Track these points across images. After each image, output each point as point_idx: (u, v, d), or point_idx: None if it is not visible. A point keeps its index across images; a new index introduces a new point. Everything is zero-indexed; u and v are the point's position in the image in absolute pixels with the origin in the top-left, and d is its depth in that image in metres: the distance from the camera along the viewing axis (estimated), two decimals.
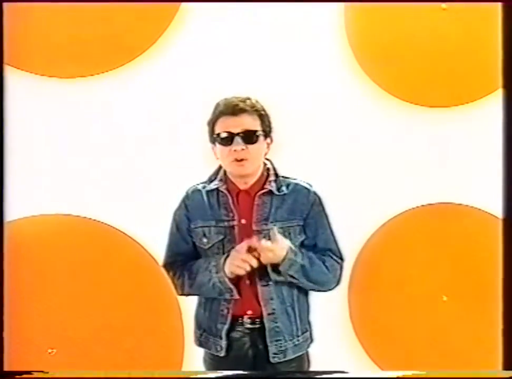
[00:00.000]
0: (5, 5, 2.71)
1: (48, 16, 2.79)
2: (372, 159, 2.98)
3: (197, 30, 2.90)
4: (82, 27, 2.81)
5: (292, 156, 2.81)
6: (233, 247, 2.36)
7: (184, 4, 2.87)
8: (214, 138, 2.37)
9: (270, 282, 2.36)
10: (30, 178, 2.79)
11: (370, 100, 2.97)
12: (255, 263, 2.29)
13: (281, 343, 2.37)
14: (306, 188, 2.44)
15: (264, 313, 2.36)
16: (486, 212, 2.91)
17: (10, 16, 2.71)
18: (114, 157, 2.85)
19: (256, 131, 2.35)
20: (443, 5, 2.95)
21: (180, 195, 2.49)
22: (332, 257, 2.44)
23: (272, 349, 2.36)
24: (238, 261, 2.29)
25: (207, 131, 2.42)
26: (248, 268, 2.29)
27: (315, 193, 2.45)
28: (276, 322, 2.37)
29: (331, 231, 2.47)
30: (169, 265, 2.47)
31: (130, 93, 2.87)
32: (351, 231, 2.88)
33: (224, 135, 2.33)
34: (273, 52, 2.93)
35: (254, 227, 2.37)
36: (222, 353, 2.38)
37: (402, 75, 2.97)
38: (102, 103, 2.86)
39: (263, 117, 2.39)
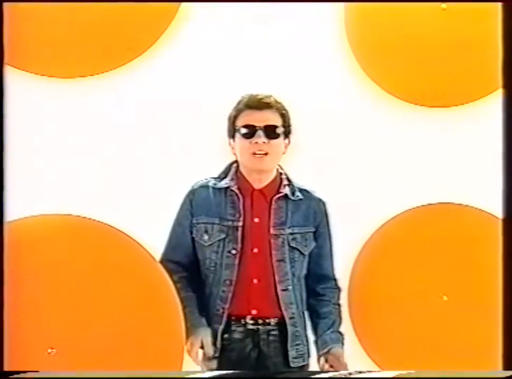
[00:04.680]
0: (5, 4, 2.70)
1: (48, 16, 2.79)
2: (371, 159, 2.99)
3: (197, 30, 2.90)
4: (82, 27, 2.81)
5: (291, 156, 2.81)
6: (234, 248, 2.36)
7: (184, 4, 2.87)
8: (235, 130, 2.38)
9: (289, 287, 2.37)
10: (30, 178, 2.79)
11: (369, 100, 2.97)
12: None
13: (300, 348, 2.38)
14: (316, 196, 2.47)
15: (286, 318, 2.37)
16: (486, 212, 2.90)
17: (10, 16, 2.71)
18: (114, 157, 2.86)
19: (277, 127, 2.37)
20: (443, 5, 2.95)
21: (180, 195, 2.49)
22: (335, 295, 2.50)
23: (292, 353, 2.37)
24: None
25: (227, 126, 2.43)
26: None
27: (324, 203, 2.48)
28: (296, 327, 2.38)
29: (331, 241, 2.50)
30: (169, 263, 2.47)
31: (131, 93, 2.87)
32: (351, 231, 2.88)
33: (246, 127, 2.35)
34: (273, 52, 2.94)
35: (272, 231, 2.38)
36: (216, 354, 2.38)
37: (402, 75, 2.97)
38: (102, 103, 2.86)
39: (284, 116, 2.42)
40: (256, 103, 2.37)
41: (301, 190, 2.47)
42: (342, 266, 2.78)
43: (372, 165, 2.97)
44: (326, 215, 2.49)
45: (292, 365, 2.38)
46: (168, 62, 2.89)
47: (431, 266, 2.90)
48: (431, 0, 2.95)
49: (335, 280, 2.53)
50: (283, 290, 2.37)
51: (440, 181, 2.97)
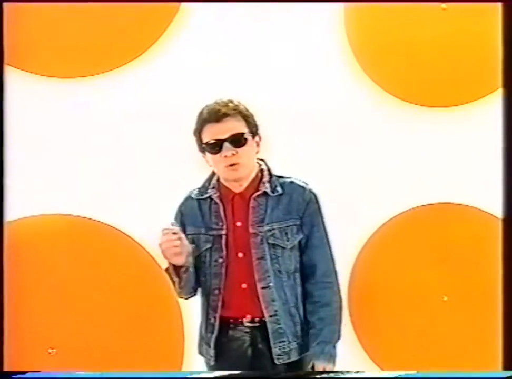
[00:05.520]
0: (5, 4, 2.71)
1: (48, 16, 2.79)
2: (372, 159, 2.98)
3: (197, 30, 2.90)
4: (82, 27, 2.81)
5: (292, 156, 2.81)
6: (220, 257, 2.35)
7: (184, 4, 2.87)
8: (203, 147, 2.36)
9: (271, 284, 2.35)
10: (30, 178, 2.79)
11: (370, 100, 2.97)
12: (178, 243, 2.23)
13: (284, 345, 2.36)
14: (301, 186, 2.42)
15: (266, 315, 2.34)
16: (486, 212, 2.90)
17: (10, 16, 2.71)
18: (114, 157, 2.85)
19: (243, 133, 2.33)
20: (443, 5, 2.95)
21: (180, 195, 2.49)
22: (328, 286, 2.39)
23: (275, 350, 2.34)
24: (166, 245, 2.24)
25: (195, 141, 2.40)
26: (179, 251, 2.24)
27: (310, 191, 2.42)
28: (279, 324, 2.35)
29: (325, 230, 2.44)
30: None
31: (130, 93, 2.87)
32: (351, 231, 2.88)
33: (212, 143, 2.32)
34: (273, 52, 2.93)
35: (251, 230, 2.36)
36: (211, 363, 2.38)
37: (402, 75, 2.97)
38: (102, 103, 2.86)
39: (247, 118, 2.36)
40: (214, 116, 2.30)
41: (283, 184, 2.42)
42: (342, 266, 2.78)
43: (372, 165, 2.97)
44: (313, 203, 2.40)
45: (276, 362, 2.36)
46: (168, 62, 2.89)
47: (431, 266, 2.90)
48: (431, 0, 2.95)
49: (328, 273, 2.45)
50: (263, 288, 2.34)
51: (440, 181, 2.96)
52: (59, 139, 2.83)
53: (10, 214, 2.69)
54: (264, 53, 2.93)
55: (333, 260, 2.44)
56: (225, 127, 2.30)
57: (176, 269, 2.30)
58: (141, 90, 2.87)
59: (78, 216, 2.74)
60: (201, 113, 2.35)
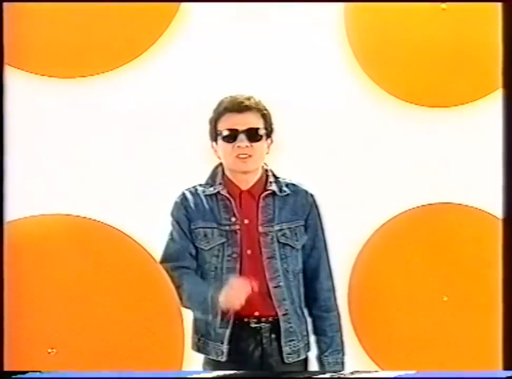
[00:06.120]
0: (5, 4, 2.70)
1: (48, 16, 2.79)
2: (371, 159, 2.99)
3: (197, 30, 2.90)
4: (82, 27, 2.81)
5: (291, 156, 2.81)
6: (233, 252, 2.36)
7: (184, 4, 2.86)
8: (217, 134, 2.38)
9: (281, 283, 2.37)
10: (30, 178, 2.79)
11: (369, 100, 2.97)
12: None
13: (294, 344, 2.39)
14: (303, 189, 2.47)
15: (279, 314, 2.37)
16: (486, 212, 2.90)
17: (10, 16, 2.71)
18: (113, 157, 2.85)
19: (259, 129, 2.37)
20: (443, 5, 2.95)
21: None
22: (330, 289, 2.47)
23: (286, 349, 2.37)
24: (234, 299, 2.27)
25: (208, 129, 2.43)
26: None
27: (311, 194, 2.48)
28: (289, 323, 2.38)
29: (324, 233, 2.49)
30: (171, 268, 2.47)
31: (130, 93, 2.87)
32: (350, 231, 2.88)
33: (228, 131, 2.35)
34: (273, 52, 2.94)
35: (260, 229, 2.38)
36: (223, 359, 2.38)
37: (402, 75, 2.97)
38: (102, 103, 2.86)
39: (266, 117, 2.41)
40: (237, 107, 2.35)
41: (287, 185, 2.46)
42: (342, 266, 2.78)
43: (372, 165, 2.97)
44: (314, 206, 2.47)
45: (286, 361, 2.38)
46: (168, 63, 2.89)
47: (431, 266, 2.90)
48: (431, 0, 2.95)
49: (329, 276, 2.49)
50: (275, 287, 2.38)
51: (440, 181, 2.97)
52: (59, 139, 2.83)
53: (10, 214, 2.68)
54: (264, 54, 2.94)
55: (330, 263, 2.49)
56: (244, 119, 2.35)
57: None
58: (141, 90, 2.87)
59: (78, 216, 2.74)
60: (222, 102, 2.39)
